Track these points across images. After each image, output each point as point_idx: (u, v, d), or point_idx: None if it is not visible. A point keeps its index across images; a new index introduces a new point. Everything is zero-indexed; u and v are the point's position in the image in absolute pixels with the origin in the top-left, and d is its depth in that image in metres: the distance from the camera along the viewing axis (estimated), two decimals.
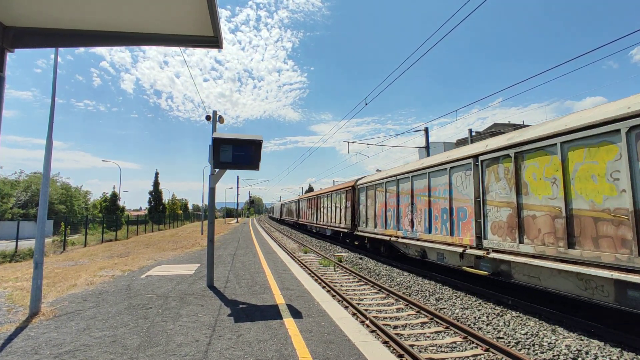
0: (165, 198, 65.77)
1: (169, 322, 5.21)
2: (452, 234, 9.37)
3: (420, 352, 5.33)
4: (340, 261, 14.30)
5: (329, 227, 23.34)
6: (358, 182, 17.62)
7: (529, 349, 5.47)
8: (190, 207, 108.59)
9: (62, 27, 3.11)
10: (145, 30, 3.24)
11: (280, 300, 6.57)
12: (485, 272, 8.27)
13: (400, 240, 12.34)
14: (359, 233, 16.99)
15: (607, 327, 5.92)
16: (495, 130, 35.05)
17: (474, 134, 25.61)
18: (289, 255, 16.27)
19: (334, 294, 9.02)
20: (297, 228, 40.92)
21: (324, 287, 9.63)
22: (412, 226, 11.57)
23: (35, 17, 2.94)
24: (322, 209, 25.37)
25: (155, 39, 3.38)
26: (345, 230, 19.17)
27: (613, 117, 5.58)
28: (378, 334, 6.02)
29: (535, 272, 6.95)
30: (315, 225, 27.99)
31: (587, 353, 5.17)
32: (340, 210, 20.28)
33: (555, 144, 6.55)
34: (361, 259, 15.43)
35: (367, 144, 23.93)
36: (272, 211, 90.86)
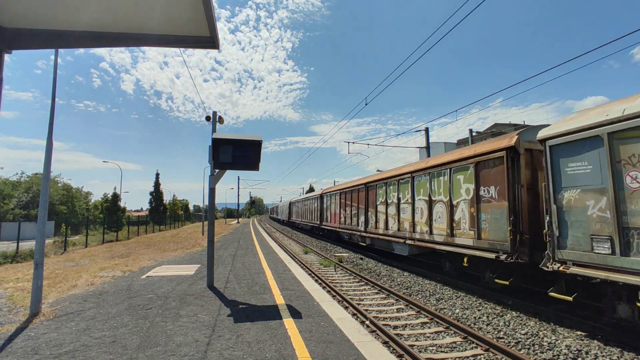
0: (166, 199, 66.04)
1: (168, 322, 5.22)
2: None
3: (420, 352, 5.33)
4: (341, 261, 14.29)
5: (404, 240, 12.20)
6: (550, 133, 6.56)
7: (529, 349, 5.47)
8: (191, 207, 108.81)
9: (59, 28, 3.12)
10: (141, 30, 3.25)
11: (280, 300, 6.57)
12: None
13: None
14: (597, 273, 5.55)
15: (607, 327, 5.91)
16: (496, 130, 35.02)
17: (474, 134, 25.59)
18: (289, 255, 16.27)
19: (334, 294, 9.02)
20: (316, 235, 29.58)
21: (324, 288, 9.62)
22: None
23: (33, 18, 2.95)
24: (381, 207, 14.47)
25: (151, 40, 3.39)
26: (490, 255, 7.97)
27: None
28: (378, 334, 6.02)
29: None
30: (362, 234, 16.53)
31: (587, 353, 5.16)
32: (450, 208, 9.73)
33: None
34: (361, 259, 15.41)
35: (368, 144, 24.01)
36: (274, 211, 76.87)
